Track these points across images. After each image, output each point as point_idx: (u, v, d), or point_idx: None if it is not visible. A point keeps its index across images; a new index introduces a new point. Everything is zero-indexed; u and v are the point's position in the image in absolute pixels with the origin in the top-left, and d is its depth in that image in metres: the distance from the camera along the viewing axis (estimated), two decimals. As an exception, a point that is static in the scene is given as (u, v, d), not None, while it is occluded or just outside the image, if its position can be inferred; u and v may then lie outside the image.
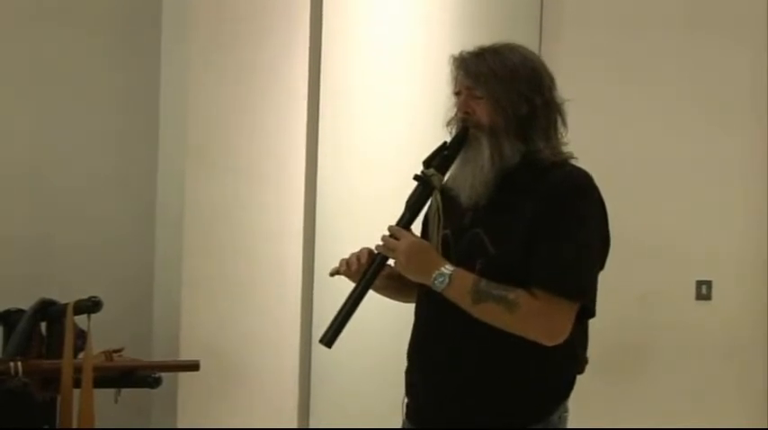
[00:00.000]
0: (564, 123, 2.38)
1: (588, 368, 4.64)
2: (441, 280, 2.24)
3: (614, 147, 4.50)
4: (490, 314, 2.22)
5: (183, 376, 3.73)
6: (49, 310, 3.46)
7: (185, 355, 3.74)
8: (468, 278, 2.23)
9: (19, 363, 3.23)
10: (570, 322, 2.25)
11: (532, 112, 2.31)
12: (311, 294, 4.04)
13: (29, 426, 3.34)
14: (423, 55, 4.24)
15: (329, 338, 2.28)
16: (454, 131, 2.37)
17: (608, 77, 4.49)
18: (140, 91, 4.05)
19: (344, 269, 2.37)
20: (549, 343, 2.24)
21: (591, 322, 4.67)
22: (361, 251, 2.37)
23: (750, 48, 4.55)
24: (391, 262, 2.32)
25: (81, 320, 3.42)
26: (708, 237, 4.55)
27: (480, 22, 4.34)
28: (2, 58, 3.95)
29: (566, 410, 2.36)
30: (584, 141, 4.42)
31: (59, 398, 3.34)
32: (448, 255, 2.30)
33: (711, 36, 4.54)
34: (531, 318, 2.21)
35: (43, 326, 3.48)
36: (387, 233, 2.31)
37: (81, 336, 3.40)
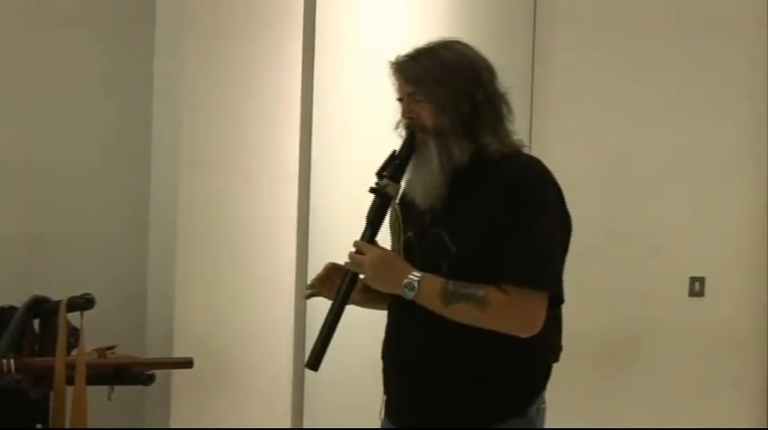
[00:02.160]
0: (510, 112, 2.37)
1: (582, 365, 4.68)
2: (410, 288, 2.25)
3: (608, 145, 4.51)
4: (462, 314, 2.23)
5: (177, 373, 3.73)
6: (41, 307, 3.46)
7: (179, 352, 3.74)
8: (435, 282, 2.24)
9: (12, 361, 3.23)
10: (543, 312, 2.25)
11: (475, 109, 2.30)
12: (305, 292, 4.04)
13: (22, 424, 3.34)
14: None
15: (314, 362, 2.30)
16: (403, 136, 2.37)
17: (601, 75, 4.49)
18: (134, 88, 4.04)
19: (317, 290, 2.41)
20: (524, 334, 2.25)
21: (584, 319, 4.71)
22: (326, 267, 2.41)
23: (747, 45, 4.56)
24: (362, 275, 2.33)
25: (74, 317, 3.41)
26: (701, 233, 4.55)
27: (474, 21, 4.35)
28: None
29: (543, 402, 2.38)
30: (578, 138, 4.50)
31: (52, 396, 3.34)
32: (413, 257, 2.31)
33: (707, 33, 4.54)
34: (504, 312, 2.22)
35: (36, 323, 3.47)
36: (353, 249, 2.32)
37: (74, 334, 3.40)
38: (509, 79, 4.40)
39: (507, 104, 2.37)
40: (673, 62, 4.53)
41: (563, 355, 4.59)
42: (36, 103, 3.99)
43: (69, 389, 3.33)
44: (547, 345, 2.35)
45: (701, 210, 4.56)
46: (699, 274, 4.57)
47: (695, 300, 4.57)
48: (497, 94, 2.35)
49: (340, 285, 2.32)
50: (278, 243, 4.01)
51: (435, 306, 2.24)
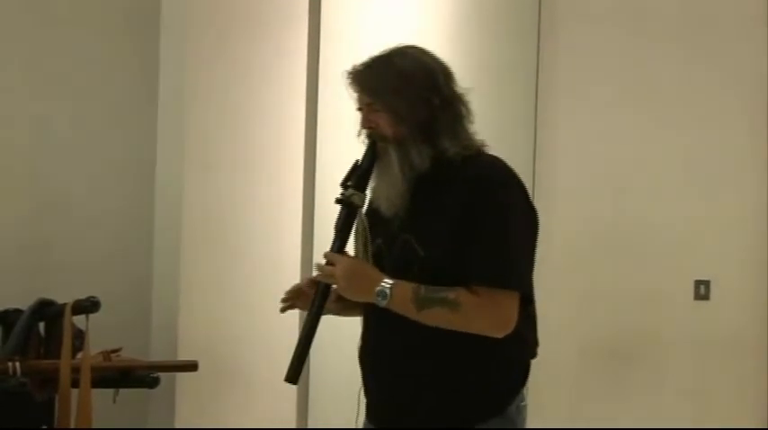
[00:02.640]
0: (469, 113, 2.37)
1: (587, 367, 4.66)
2: (382, 296, 2.26)
3: (612, 147, 4.50)
4: (436, 318, 2.24)
5: (181, 376, 3.73)
6: (47, 310, 3.46)
7: (183, 355, 3.74)
8: (407, 288, 2.25)
9: (17, 363, 3.23)
10: (515, 311, 2.26)
11: (433, 114, 2.31)
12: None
13: (27, 426, 3.34)
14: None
15: (292, 375, 2.31)
16: (365, 145, 2.38)
17: (606, 76, 4.49)
18: (139, 91, 4.05)
19: (291, 303, 2.44)
20: (498, 334, 2.26)
21: (590, 322, 4.70)
22: (303, 281, 2.43)
23: (752, 46, 4.55)
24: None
25: (79, 320, 3.42)
26: (706, 237, 4.55)
27: (479, 21, 4.35)
28: (0, 60, 3.94)
29: (523, 400, 2.37)
30: (582, 140, 4.50)
31: (57, 398, 3.34)
32: (383, 264, 2.33)
33: (712, 34, 4.54)
34: (475, 314, 2.23)
35: (41, 326, 3.48)
36: (323, 261, 2.34)
37: (79, 336, 3.40)
38: (513, 79, 4.46)
39: (466, 105, 2.38)
40: (679, 63, 4.52)
41: (569, 361, 4.61)
42: (41, 107, 3.99)
43: (74, 392, 3.34)
44: (522, 343, 2.35)
45: (707, 213, 4.55)
46: (704, 278, 4.57)
47: (701, 303, 4.56)
48: (455, 96, 2.36)
49: (313, 297, 2.34)
50: (283, 245, 4.01)
51: (409, 312, 2.25)
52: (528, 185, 4.48)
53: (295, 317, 4.03)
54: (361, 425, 2.46)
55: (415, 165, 2.29)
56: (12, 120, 3.96)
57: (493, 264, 2.23)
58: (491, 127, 4.36)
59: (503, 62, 4.42)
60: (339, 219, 2.37)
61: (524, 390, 2.36)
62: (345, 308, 2.44)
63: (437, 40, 4.25)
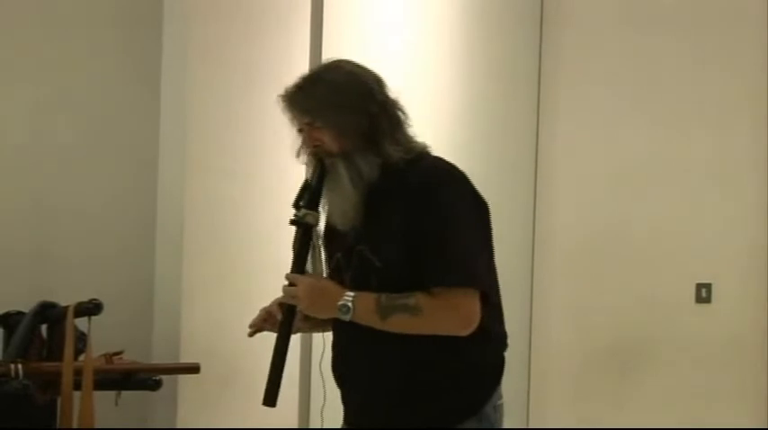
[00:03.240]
0: (407, 117, 2.40)
1: (588, 370, 4.66)
2: (345, 310, 2.30)
3: (614, 148, 4.51)
4: (400, 324, 2.27)
5: (184, 379, 3.73)
6: (49, 313, 3.47)
7: (185, 358, 3.74)
8: (369, 299, 2.28)
9: (19, 366, 3.24)
10: (475, 307, 2.28)
11: (373, 122, 2.33)
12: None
13: (29, 428, 3.34)
14: (424, 54, 4.25)
15: (270, 398, 2.37)
16: (307, 163, 2.42)
17: (608, 77, 4.50)
18: (140, 93, 4.04)
19: (260, 327, 2.49)
20: (463, 333, 2.29)
21: (592, 325, 4.70)
22: (270, 304, 2.47)
23: (756, 46, 4.56)
24: None
25: (81, 323, 3.42)
26: (708, 239, 4.55)
27: (481, 22, 4.36)
28: (2, 62, 3.95)
29: (500, 398, 2.39)
30: (584, 141, 4.50)
31: (60, 401, 3.34)
32: (341, 277, 2.37)
33: (715, 34, 4.55)
34: (437, 315, 2.26)
35: (44, 328, 3.48)
36: (285, 282, 2.39)
37: (81, 339, 3.41)
38: (515, 80, 4.46)
39: (402, 110, 2.41)
40: (679, 64, 4.53)
41: (571, 364, 4.61)
42: (42, 109, 3.99)
43: (76, 395, 3.34)
44: (489, 338, 2.37)
45: (708, 216, 4.56)
46: (706, 281, 4.57)
47: (702, 306, 4.57)
48: (390, 102, 2.39)
49: (281, 319, 2.39)
50: (285, 246, 3.99)
51: (373, 322, 2.28)
52: (530, 188, 4.54)
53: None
54: None
55: (364, 174, 2.32)
56: (12, 121, 3.96)
57: (446, 265, 2.26)
58: (493, 127, 4.42)
59: (505, 61, 4.43)
60: (295, 239, 2.42)
61: (500, 388, 2.38)
62: (315, 325, 2.49)
63: (440, 41, 4.27)
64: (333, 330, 2.47)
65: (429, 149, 2.40)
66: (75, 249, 3.99)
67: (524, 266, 4.45)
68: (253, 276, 3.93)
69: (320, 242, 2.39)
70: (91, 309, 3.40)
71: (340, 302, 2.29)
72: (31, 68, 3.98)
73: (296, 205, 2.41)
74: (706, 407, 4.52)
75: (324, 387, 2.63)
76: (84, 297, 3.44)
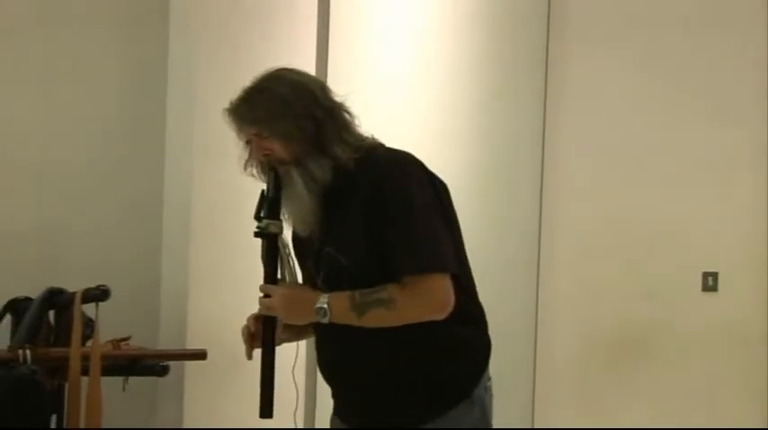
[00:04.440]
0: (353, 117, 2.42)
1: (595, 360, 4.67)
2: (322, 313, 2.31)
3: (621, 142, 4.51)
4: (377, 319, 2.29)
5: (190, 365, 3.74)
6: (57, 299, 3.48)
7: (192, 344, 3.75)
8: (343, 298, 2.30)
9: (27, 351, 3.25)
10: (448, 290, 2.29)
11: (319, 126, 2.35)
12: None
13: (37, 414, 3.35)
14: (430, 54, 4.25)
15: (266, 411, 2.41)
16: (254, 174, 2.46)
17: (615, 74, 4.50)
18: (148, 82, 4.05)
19: (247, 347, 2.49)
20: (439, 317, 2.30)
21: (598, 315, 4.70)
22: (248, 320, 2.49)
23: (754, 41, 4.55)
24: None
25: (89, 309, 3.43)
26: (714, 228, 4.55)
27: (488, 22, 4.35)
28: (11, 51, 3.95)
29: (488, 379, 2.40)
30: (591, 137, 4.50)
31: (67, 386, 3.36)
32: (314, 281, 2.38)
33: (717, 29, 4.54)
34: (411, 304, 2.27)
35: (51, 314, 3.50)
36: (261, 294, 2.41)
37: (89, 325, 3.42)
38: (522, 80, 4.46)
39: (348, 111, 2.42)
40: (684, 59, 4.53)
41: (577, 353, 4.62)
42: (51, 97, 4.00)
43: (84, 380, 3.35)
44: (469, 318, 2.38)
45: (715, 205, 4.55)
46: (712, 270, 4.57)
47: (708, 295, 4.57)
48: (335, 105, 2.40)
49: (263, 333, 2.42)
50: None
51: (351, 320, 2.30)
52: (536, 180, 4.54)
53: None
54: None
55: (318, 178, 2.34)
56: (21, 114, 3.97)
57: (412, 252, 2.27)
58: (500, 121, 4.42)
59: (512, 56, 4.42)
60: (262, 251, 2.44)
61: (488, 369, 2.39)
62: (298, 333, 2.52)
63: (446, 41, 4.26)
64: (315, 330, 2.48)
65: (379, 143, 2.41)
66: (83, 236, 4.00)
67: (531, 256, 4.45)
68: (259, 263, 3.93)
69: (287, 250, 2.41)
70: (98, 295, 3.42)
71: (316, 306, 2.31)
72: (37, 58, 3.98)
73: (257, 217, 2.44)
74: (713, 397, 4.53)
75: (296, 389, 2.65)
76: (92, 283, 3.45)
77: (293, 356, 2.65)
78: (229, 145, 3.88)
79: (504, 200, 4.34)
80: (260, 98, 2.39)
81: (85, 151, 4.04)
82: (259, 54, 3.92)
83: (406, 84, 4.14)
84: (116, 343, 3.49)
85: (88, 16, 4.04)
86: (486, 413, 2.38)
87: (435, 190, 2.35)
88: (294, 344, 2.61)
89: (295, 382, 2.62)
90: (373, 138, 2.41)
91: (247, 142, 2.43)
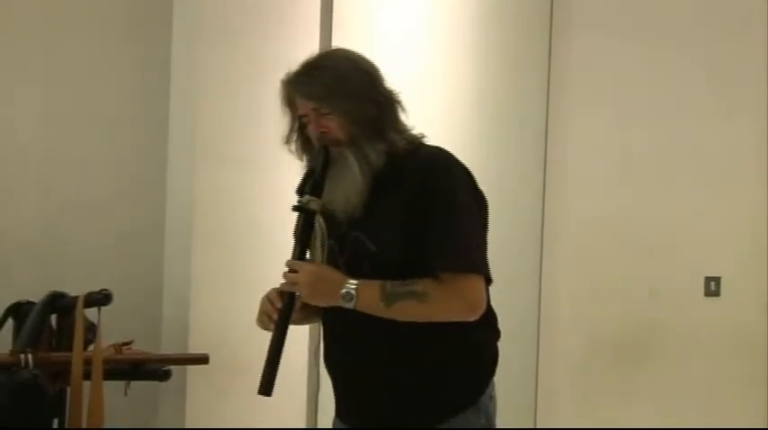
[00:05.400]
0: (403, 109, 2.40)
1: (597, 363, 4.66)
2: (348, 298, 2.27)
3: (623, 144, 4.50)
4: (406, 311, 2.26)
5: (192, 369, 3.74)
6: (59, 303, 3.48)
7: (194, 349, 3.75)
8: (373, 287, 2.27)
9: (29, 355, 3.25)
10: (483, 294, 2.30)
11: (380, 111, 2.33)
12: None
13: (39, 417, 3.35)
14: (432, 51, 4.25)
15: (266, 388, 2.33)
16: (295, 150, 2.43)
17: (617, 76, 4.49)
18: (150, 84, 4.05)
19: (264, 319, 2.40)
20: (471, 318, 2.29)
21: (600, 318, 4.69)
22: (270, 293, 2.40)
23: (759, 41, 4.55)
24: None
25: (91, 313, 3.43)
26: (717, 233, 4.55)
27: (492, 21, 4.35)
28: (13, 55, 3.96)
29: (493, 388, 2.39)
30: (593, 138, 4.50)
31: (69, 390, 3.36)
32: (336, 264, 2.34)
33: (722, 33, 4.54)
34: (445, 301, 2.26)
35: (54, 318, 3.49)
36: (285, 269, 2.35)
37: (91, 329, 3.42)
38: (526, 80, 4.45)
39: (399, 101, 2.40)
40: (688, 61, 4.53)
41: (579, 354, 4.61)
42: (53, 102, 4.01)
43: (86, 384, 3.35)
44: (488, 326, 2.37)
45: (718, 210, 4.55)
46: (715, 274, 4.57)
47: (711, 299, 4.56)
48: (392, 92, 2.39)
49: (281, 308, 2.34)
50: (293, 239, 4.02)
51: (378, 310, 2.27)
52: (539, 180, 4.53)
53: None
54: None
55: (373, 162, 2.31)
56: (24, 116, 3.98)
57: (453, 250, 2.26)
58: (503, 122, 4.42)
59: (514, 63, 4.42)
60: (297, 226, 2.40)
61: (494, 379, 2.38)
62: (306, 316, 2.45)
63: (449, 40, 4.26)
64: (324, 322, 2.45)
65: (426, 139, 2.40)
66: (85, 240, 4.01)
67: (533, 258, 4.45)
68: (261, 266, 3.93)
69: (323, 230, 2.35)
70: (100, 299, 3.42)
71: (343, 290, 2.27)
72: (41, 59, 3.99)
73: (299, 191, 2.40)
74: (715, 400, 4.52)
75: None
76: (94, 287, 3.45)
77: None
78: (232, 150, 3.92)
79: (506, 200, 4.33)
80: (324, 74, 2.34)
81: (88, 156, 4.05)
82: (262, 57, 3.93)
83: (409, 81, 4.12)
84: (118, 347, 3.48)
85: (90, 20, 4.05)
86: (491, 421, 2.36)
87: (478, 198, 2.36)
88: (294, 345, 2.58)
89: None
90: (421, 133, 2.40)
91: (300, 116, 2.39)
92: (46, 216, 3.98)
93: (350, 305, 2.27)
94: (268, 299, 2.39)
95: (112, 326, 3.46)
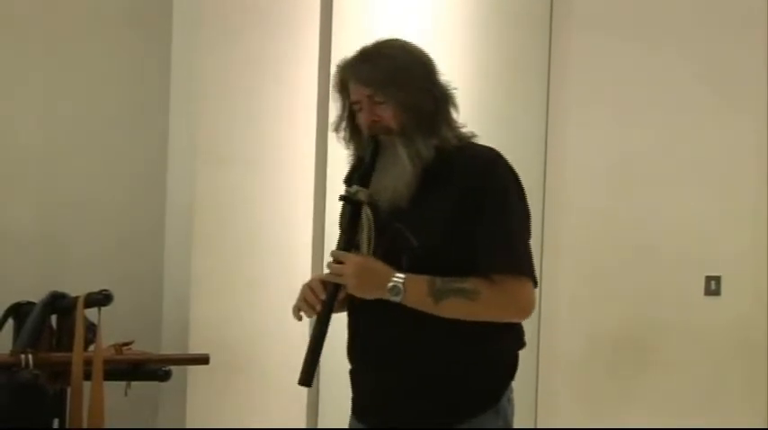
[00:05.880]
0: (456, 107, 2.37)
1: (598, 363, 4.66)
2: (395, 291, 2.24)
3: (623, 144, 4.50)
4: (454, 309, 2.24)
5: (193, 369, 3.74)
6: (59, 303, 3.48)
7: (194, 349, 3.75)
8: (421, 281, 2.24)
9: (30, 356, 3.25)
10: (533, 297, 2.29)
11: (435, 105, 2.31)
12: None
13: (39, 418, 3.35)
14: (432, 52, 4.24)
15: (306, 378, 2.29)
16: (344, 138, 2.39)
17: (617, 76, 4.49)
18: (150, 84, 4.06)
19: (306, 308, 2.34)
20: (520, 319, 2.31)
21: (600, 318, 4.69)
22: (311, 281, 2.36)
23: (759, 40, 4.55)
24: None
25: (91, 313, 3.43)
26: (717, 232, 4.55)
27: (491, 21, 4.35)
28: (12, 52, 3.96)
29: (511, 391, 2.37)
30: (594, 138, 4.50)
31: (69, 391, 3.36)
32: (374, 255, 2.30)
33: (722, 33, 4.54)
34: (495, 301, 2.25)
35: (54, 318, 3.49)
36: (330, 259, 2.31)
37: (91, 329, 3.42)
38: (526, 79, 4.45)
39: (454, 98, 2.38)
40: (689, 62, 4.52)
41: (578, 354, 4.61)
42: (53, 102, 4.01)
43: (86, 385, 3.35)
44: (513, 334, 2.37)
45: (718, 208, 4.55)
46: (715, 273, 4.56)
47: (711, 298, 4.56)
48: (447, 87, 2.37)
49: (325, 298, 2.30)
50: (294, 239, 4.02)
51: (425, 305, 2.24)
52: (539, 180, 4.53)
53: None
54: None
55: (423, 155, 2.28)
56: (25, 115, 3.98)
57: (507, 252, 2.25)
58: (502, 122, 4.41)
59: (514, 63, 4.42)
60: (344, 216, 2.36)
61: (513, 382, 2.37)
62: (341, 305, 2.40)
63: (448, 37, 4.26)
64: (350, 314, 2.41)
65: (477, 138, 2.37)
66: (86, 240, 4.01)
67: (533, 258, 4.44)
68: (261, 267, 3.94)
69: (370, 221, 2.30)
70: (101, 299, 3.41)
71: (390, 284, 2.23)
72: (41, 60, 3.99)
73: (347, 181, 2.36)
74: (715, 399, 4.52)
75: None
76: (95, 288, 3.45)
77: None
78: (232, 150, 3.92)
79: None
80: (383, 62, 2.31)
81: (88, 156, 4.05)
82: (262, 57, 3.93)
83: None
84: (118, 347, 3.48)
85: (90, 20, 4.05)
86: (508, 424, 2.35)
87: (525, 203, 2.36)
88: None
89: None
90: (472, 131, 2.37)
91: (353, 103, 2.35)
92: (46, 216, 3.98)
93: (397, 299, 2.24)
94: (310, 287, 2.34)
95: (113, 327, 3.46)
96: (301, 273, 4.06)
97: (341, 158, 4.09)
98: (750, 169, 4.57)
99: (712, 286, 4.55)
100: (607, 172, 4.50)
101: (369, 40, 4.08)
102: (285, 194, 4.02)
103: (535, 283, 2.32)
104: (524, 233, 2.32)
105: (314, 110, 4.09)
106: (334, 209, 4.09)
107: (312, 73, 4.06)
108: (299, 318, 2.37)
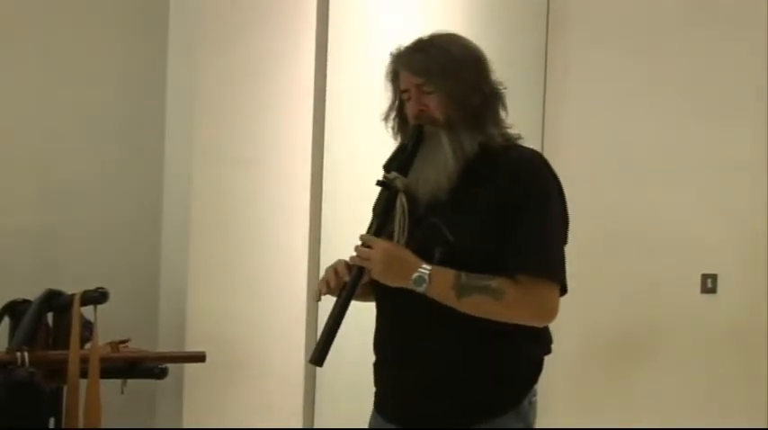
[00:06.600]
0: (504, 106, 2.36)
1: (594, 361, 4.66)
2: (420, 282, 2.22)
3: (620, 142, 4.50)
4: (477, 306, 2.22)
5: (189, 367, 3.74)
6: (55, 301, 3.47)
7: (191, 347, 3.75)
8: (448, 275, 2.22)
9: (25, 354, 3.25)
10: (557, 301, 2.28)
11: (484, 101, 2.30)
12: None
13: (35, 416, 3.35)
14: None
15: (317, 357, 2.26)
16: (393, 127, 2.38)
17: (614, 74, 4.49)
18: (148, 81, 4.05)
19: (326, 289, 2.31)
20: (542, 324, 2.29)
21: (596, 316, 4.70)
22: (337, 263, 2.33)
23: (759, 42, 4.55)
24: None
25: (87, 311, 3.43)
26: (713, 230, 4.54)
27: (488, 21, 4.34)
28: (10, 50, 3.96)
29: (534, 394, 2.36)
30: (590, 136, 4.50)
31: (66, 389, 3.35)
32: (407, 245, 2.28)
33: (719, 31, 4.54)
34: (519, 303, 2.23)
35: (50, 316, 3.49)
36: (359, 243, 2.29)
37: (87, 327, 3.41)
38: (522, 78, 4.45)
39: (503, 99, 2.36)
40: (684, 60, 4.52)
41: (576, 351, 4.61)
42: (50, 98, 4.00)
43: (82, 383, 3.35)
44: (540, 338, 2.35)
45: (714, 206, 4.55)
46: (711, 271, 4.57)
47: (707, 296, 4.56)
48: (497, 86, 2.35)
49: (349, 280, 2.27)
50: (290, 237, 4.02)
51: (449, 299, 2.22)
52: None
53: (302, 308, 4.05)
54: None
55: (466, 149, 2.27)
56: (21, 113, 3.97)
57: (535, 252, 2.24)
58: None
59: (511, 61, 4.41)
60: (379, 201, 2.35)
61: (536, 386, 2.36)
62: (365, 293, 2.37)
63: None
64: (379, 307, 2.39)
65: (522, 141, 2.36)
66: (82, 238, 4.01)
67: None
68: (258, 264, 3.94)
69: (404, 210, 2.28)
70: (97, 297, 3.41)
71: (416, 274, 2.21)
72: (38, 59, 3.99)
73: (387, 167, 2.33)
74: (712, 398, 4.52)
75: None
76: (91, 285, 3.45)
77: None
78: (229, 148, 3.91)
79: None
80: (435, 53, 2.29)
81: (84, 153, 4.05)
82: (259, 56, 3.93)
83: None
84: (115, 345, 3.48)
85: (88, 19, 4.05)
86: (529, 427, 2.33)
87: (565, 209, 2.34)
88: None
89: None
90: (518, 133, 2.36)
91: (403, 92, 2.34)
92: (42, 214, 3.98)
93: (420, 289, 2.22)
94: (335, 269, 2.31)
95: (109, 325, 3.45)
96: (298, 271, 4.06)
97: (338, 157, 4.12)
98: (747, 168, 4.57)
99: (709, 284, 4.55)
100: (603, 170, 4.50)
101: (366, 40, 4.14)
102: (282, 192, 4.02)
103: (564, 291, 2.31)
104: (560, 239, 2.31)
105: (310, 109, 4.09)
106: (331, 207, 4.13)
107: (309, 72, 4.06)
108: (319, 299, 2.33)
